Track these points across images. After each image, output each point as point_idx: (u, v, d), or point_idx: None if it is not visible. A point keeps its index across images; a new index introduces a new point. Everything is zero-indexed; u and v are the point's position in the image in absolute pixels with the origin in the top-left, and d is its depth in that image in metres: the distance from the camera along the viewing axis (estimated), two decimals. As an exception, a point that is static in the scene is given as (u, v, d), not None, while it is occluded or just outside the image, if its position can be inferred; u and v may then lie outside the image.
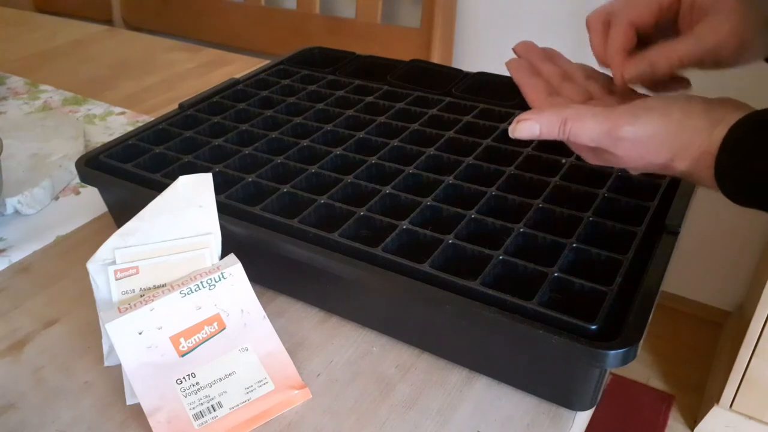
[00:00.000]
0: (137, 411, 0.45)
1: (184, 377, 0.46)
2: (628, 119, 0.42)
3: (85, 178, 0.62)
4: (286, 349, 0.49)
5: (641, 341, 0.41)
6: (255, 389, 0.47)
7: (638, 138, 0.41)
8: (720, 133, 0.39)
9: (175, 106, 0.74)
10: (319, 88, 0.76)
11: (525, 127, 0.44)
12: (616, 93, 0.50)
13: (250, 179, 0.58)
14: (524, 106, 0.48)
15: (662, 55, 0.44)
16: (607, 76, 0.51)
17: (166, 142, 0.65)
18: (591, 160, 0.46)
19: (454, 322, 0.47)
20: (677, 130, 0.41)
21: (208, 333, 0.47)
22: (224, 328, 0.48)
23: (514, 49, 0.54)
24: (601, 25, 0.48)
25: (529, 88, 0.50)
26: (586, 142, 0.43)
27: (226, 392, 0.46)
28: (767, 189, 0.38)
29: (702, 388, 1.42)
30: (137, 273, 0.48)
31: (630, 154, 0.43)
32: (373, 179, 0.58)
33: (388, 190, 0.56)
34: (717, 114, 0.40)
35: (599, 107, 0.44)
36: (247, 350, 0.48)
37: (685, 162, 0.41)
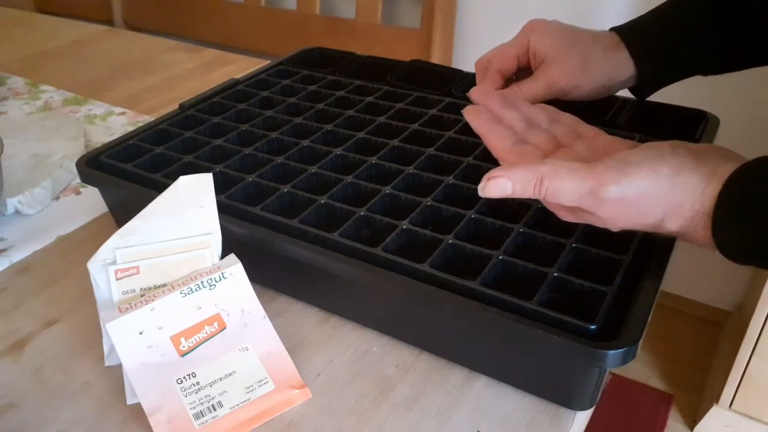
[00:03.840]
0: (137, 411, 0.46)
1: (184, 377, 0.46)
2: (613, 177, 0.38)
3: (86, 179, 0.62)
4: (286, 348, 0.49)
5: (641, 341, 0.41)
6: (255, 389, 0.47)
7: (625, 198, 0.38)
8: (713, 190, 0.37)
9: (176, 106, 0.74)
10: (319, 88, 0.76)
11: (496, 186, 0.41)
12: (584, 136, 0.47)
13: (250, 179, 0.58)
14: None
15: (513, 95, 0.55)
16: (572, 117, 0.50)
17: (167, 143, 0.65)
18: (568, 219, 0.44)
19: (454, 322, 0.47)
20: (668, 188, 0.38)
21: (209, 333, 0.48)
22: (224, 328, 0.48)
23: (470, 95, 0.51)
24: (483, 69, 0.59)
25: (492, 137, 0.47)
26: (564, 203, 0.40)
27: (226, 392, 0.46)
28: (767, 247, 0.36)
29: (702, 388, 1.42)
30: (138, 273, 0.49)
31: (615, 215, 0.40)
32: (373, 179, 0.58)
33: (388, 190, 0.56)
34: (708, 167, 0.38)
35: (578, 163, 0.40)
36: (247, 350, 0.48)
37: (677, 222, 0.39)
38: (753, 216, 0.36)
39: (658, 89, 0.59)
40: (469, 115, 0.49)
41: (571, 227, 0.50)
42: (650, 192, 0.38)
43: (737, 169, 0.37)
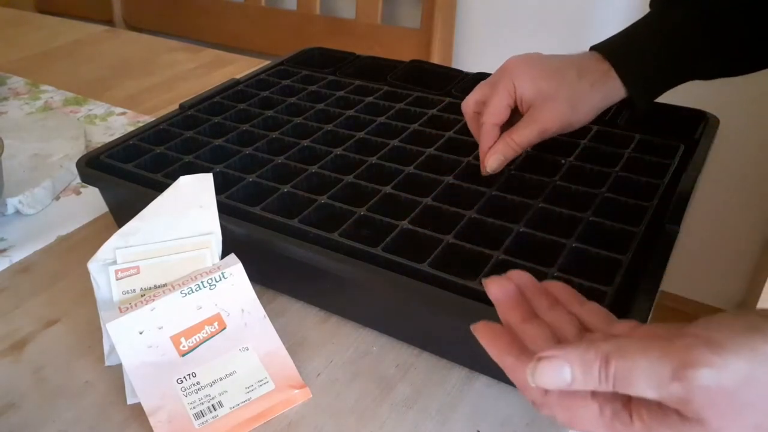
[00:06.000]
0: (138, 410, 0.46)
1: (184, 377, 0.46)
2: (701, 355, 0.28)
3: (86, 179, 0.62)
4: (286, 348, 0.49)
5: (640, 341, 0.41)
6: (255, 389, 0.47)
7: (722, 386, 0.28)
8: None
9: (176, 106, 0.74)
10: (320, 88, 0.76)
11: (550, 371, 0.31)
12: (619, 335, 0.34)
13: (250, 179, 0.58)
14: None
15: (507, 146, 0.55)
16: (605, 314, 0.38)
17: (167, 143, 0.65)
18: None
19: (454, 322, 0.47)
20: None
21: (209, 332, 0.48)
22: (225, 328, 0.48)
23: (489, 295, 0.39)
24: (473, 116, 0.59)
25: (520, 369, 0.34)
26: (639, 392, 0.30)
27: (226, 392, 0.46)
28: None
29: (702, 388, 1.42)
30: (138, 273, 0.49)
31: (723, 418, 0.29)
32: (373, 179, 0.58)
33: (388, 190, 0.56)
34: None
35: (651, 339, 0.31)
36: (247, 350, 0.48)
37: None
38: None
39: (650, 103, 0.58)
40: (484, 337, 0.37)
41: (571, 227, 0.50)
42: (755, 377, 0.28)
43: None
